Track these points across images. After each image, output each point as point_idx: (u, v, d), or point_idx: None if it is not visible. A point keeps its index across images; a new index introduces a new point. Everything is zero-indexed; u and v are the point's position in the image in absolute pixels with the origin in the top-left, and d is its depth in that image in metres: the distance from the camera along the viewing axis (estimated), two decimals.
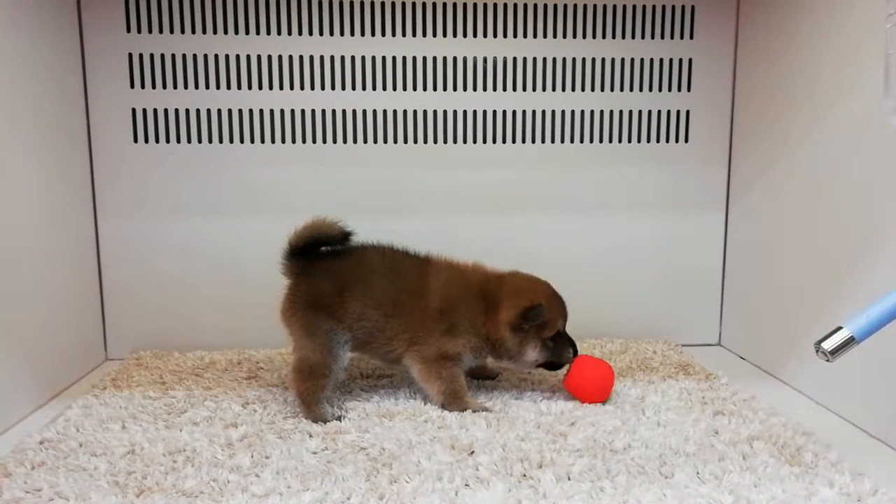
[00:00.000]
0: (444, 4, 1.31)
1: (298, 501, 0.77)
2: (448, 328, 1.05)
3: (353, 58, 1.31)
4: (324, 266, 1.07)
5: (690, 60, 1.36)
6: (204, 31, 1.28)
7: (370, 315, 1.05)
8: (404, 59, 1.32)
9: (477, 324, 1.06)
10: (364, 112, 1.33)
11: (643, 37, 1.35)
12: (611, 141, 1.38)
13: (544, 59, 1.34)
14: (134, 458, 0.87)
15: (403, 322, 1.05)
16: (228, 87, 1.30)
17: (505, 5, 1.32)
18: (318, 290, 1.05)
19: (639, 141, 1.38)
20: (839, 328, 0.78)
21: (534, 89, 1.35)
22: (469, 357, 1.07)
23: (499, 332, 1.05)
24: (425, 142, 1.35)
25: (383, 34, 1.31)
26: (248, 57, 1.29)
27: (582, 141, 1.37)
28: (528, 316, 1.03)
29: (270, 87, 1.31)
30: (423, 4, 1.30)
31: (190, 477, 0.82)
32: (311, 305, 1.04)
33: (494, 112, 1.35)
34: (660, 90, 1.37)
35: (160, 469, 0.84)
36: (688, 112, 1.38)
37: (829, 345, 0.78)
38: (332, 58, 1.31)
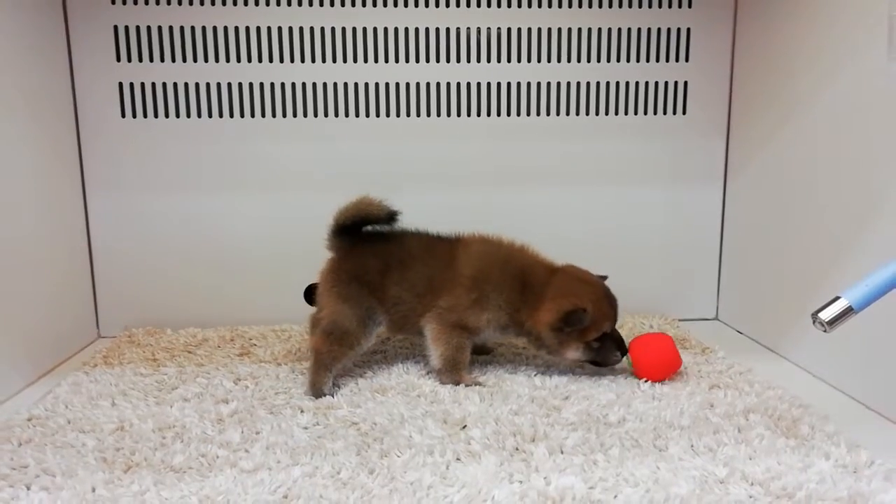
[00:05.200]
0: None
1: (287, 476, 0.76)
2: (478, 298, 1.04)
3: (343, 29, 1.28)
4: (370, 247, 1.07)
5: (689, 30, 1.33)
6: (191, 3, 1.25)
7: (405, 298, 1.06)
8: (396, 30, 1.29)
9: (513, 304, 1.04)
10: (356, 85, 1.30)
11: (640, 5, 1.32)
12: (607, 113, 1.35)
13: (539, 30, 1.31)
14: (123, 435, 0.86)
15: (434, 294, 1.05)
16: (217, 60, 1.27)
17: None
18: (363, 268, 1.06)
19: (636, 113, 1.36)
20: (837, 298, 0.77)
21: (529, 60, 1.32)
22: (491, 332, 1.07)
23: (539, 328, 1.04)
24: (418, 115, 1.32)
25: (374, 4, 1.28)
26: (237, 29, 1.27)
27: (577, 113, 1.35)
28: (569, 320, 1.01)
29: (260, 60, 1.28)
30: None
31: (179, 452, 0.81)
32: (355, 280, 1.05)
33: (489, 84, 1.33)
34: (657, 61, 1.34)
35: (149, 445, 0.83)
36: (686, 83, 1.35)
37: (826, 315, 0.77)
38: (323, 29, 1.28)
